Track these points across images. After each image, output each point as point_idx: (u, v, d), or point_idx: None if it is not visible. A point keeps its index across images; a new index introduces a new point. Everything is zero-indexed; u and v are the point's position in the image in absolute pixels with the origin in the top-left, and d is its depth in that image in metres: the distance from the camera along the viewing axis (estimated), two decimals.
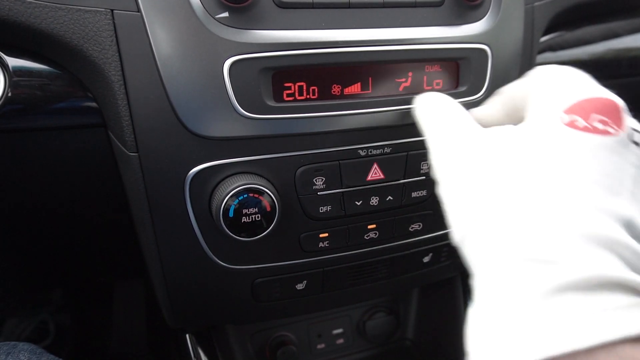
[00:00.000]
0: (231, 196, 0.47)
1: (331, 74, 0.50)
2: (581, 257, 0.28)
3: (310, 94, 0.49)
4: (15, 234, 0.75)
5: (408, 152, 0.56)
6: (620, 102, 0.34)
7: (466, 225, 0.34)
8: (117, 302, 1.25)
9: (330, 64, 0.49)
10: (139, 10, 0.45)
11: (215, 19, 0.45)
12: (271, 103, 0.48)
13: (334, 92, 0.50)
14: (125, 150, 0.49)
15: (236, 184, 0.48)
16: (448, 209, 0.36)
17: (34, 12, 0.45)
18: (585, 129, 0.32)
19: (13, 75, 0.48)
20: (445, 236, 0.65)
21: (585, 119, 0.32)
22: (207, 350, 0.70)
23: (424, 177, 0.58)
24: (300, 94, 0.49)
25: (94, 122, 0.52)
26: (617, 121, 0.33)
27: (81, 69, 0.49)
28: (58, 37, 0.46)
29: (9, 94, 0.48)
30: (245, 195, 0.48)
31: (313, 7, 0.48)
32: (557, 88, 0.36)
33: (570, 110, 0.33)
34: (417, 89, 0.53)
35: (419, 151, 0.56)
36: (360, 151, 0.54)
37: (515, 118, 0.41)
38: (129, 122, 0.47)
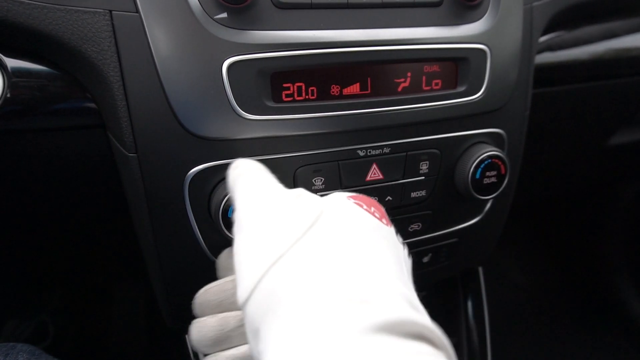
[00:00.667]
0: (230, 197, 0.47)
1: (330, 74, 0.50)
2: (391, 300, 0.29)
3: (309, 95, 0.49)
4: (15, 234, 0.75)
5: (407, 152, 0.56)
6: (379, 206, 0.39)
7: (262, 274, 0.30)
8: (117, 303, 1.25)
9: (329, 64, 0.49)
10: (137, 11, 0.45)
11: (213, 19, 0.45)
12: (270, 104, 0.48)
13: (332, 92, 0.50)
14: (124, 151, 0.49)
15: None
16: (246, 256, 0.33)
17: (32, 13, 0.45)
18: (367, 212, 0.36)
19: (12, 76, 0.48)
20: (445, 236, 0.65)
21: (368, 207, 0.36)
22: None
23: (423, 178, 0.58)
24: (299, 94, 0.49)
25: (93, 123, 0.52)
26: (387, 219, 0.38)
27: (80, 70, 0.49)
28: (56, 38, 0.46)
29: (8, 95, 0.48)
30: None
31: (311, 8, 0.48)
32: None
33: (353, 197, 0.37)
34: (416, 89, 0.53)
35: (418, 151, 0.56)
36: (359, 151, 0.54)
37: None
38: (128, 123, 0.47)
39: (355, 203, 0.36)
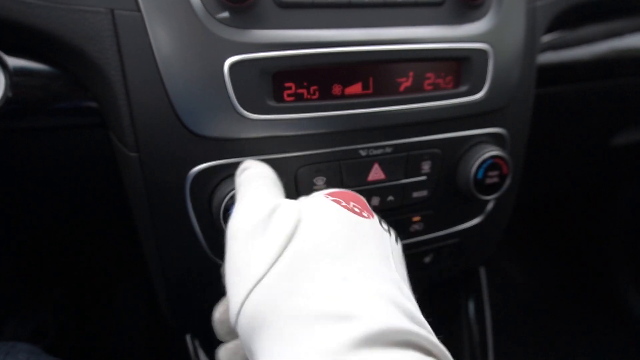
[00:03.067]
0: (231, 196, 0.47)
1: (332, 73, 0.50)
2: (377, 311, 0.29)
3: (311, 94, 0.49)
4: (16, 233, 0.75)
5: (409, 152, 0.56)
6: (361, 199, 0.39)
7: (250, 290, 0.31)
8: (118, 303, 1.25)
9: (331, 63, 0.49)
10: (139, 10, 0.45)
11: (215, 18, 0.45)
12: (272, 103, 0.48)
13: (334, 92, 0.50)
14: (126, 150, 0.49)
15: None
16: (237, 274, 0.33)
17: (34, 12, 0.45)
18: (346, 208, 0.35)
19: (14, 76, 0.48)
20: (447, 237, 0.65)
21: (347, 203, 0.36)
22: (207, 351, 0.70)
23: (425, 177, 0.58)
24: (301, 94, 0.49)
25: (95, 122, 0.52)
26: (369, 210, 0.37)
27: (82, 69, 0.48)
28: (58, 37, 0.46)
29: (10, 94, 0.48)
30: None
31: (313, 7, 0.48)
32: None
33: (332, 195, 0.37)
34: (418, 89, 0.53)
35: (420, 151, 0.56)
36: (361, 151, 0.54)
37: None
38: (130, 122, 0.47)
39: (334, 200, 0.36)
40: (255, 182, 0.40)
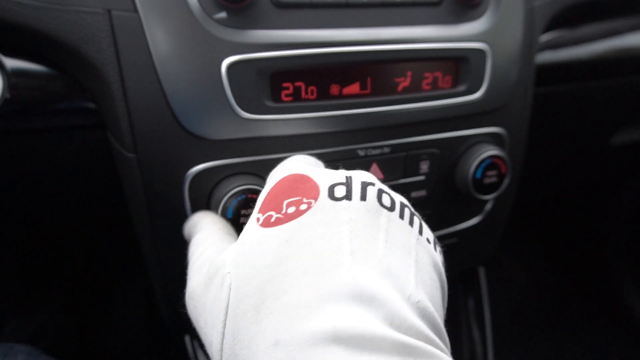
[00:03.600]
0: (230, 197, 0.47)
1: (330, 74, 0.50)
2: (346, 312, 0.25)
3: (309, 94, 0.49)
4: (14, 235, 0.75)
5: (407, 152, 0.56)
6: (303, 170, 0.33)
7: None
8: (117, 304, 1.25)
9: (328, 63, 0.49)
10: (136, 11, 0.45)
11: (213, 19, 0.45)
12: (269, 103, 0.48)
13: (332, 92, 0.50)
14: (124, 151, 0.49)
15: (235, 185, 0.48)
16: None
17: (31, 13, 0.45)
18: (278, 222, 0.30)
19: (11, 77, 0.48)
20: (446, 236, 0.65)
21: (279, 210, 0.31)
22: (206, 352, 0.69)
23: (423, 177, 0.58)
24: (299, 94, 0.49)
25: (92, 122, 0.52)
26: (311, 192, 0.31)
27: (79, 70, 0.48)
28: (55, 38, 0.46)
29: (7, 96, 0.48)
30: (244, 196, 0.48)
31: (311, 7, 0.48)
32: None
33: (263, 209, 0.32)
34: (416, 89, 0.53)
35: (419, 151, 0.56)
36: (359, 151, 0.54)
37: None
38: (127, 123, 0.47)
39: (263, 223, 0.31)
40: (198, 241, 0.40)
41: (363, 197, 0.30)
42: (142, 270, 0.63)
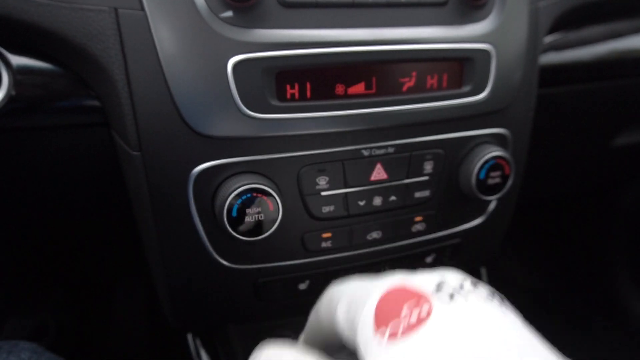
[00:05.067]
0: (234, 196, 0.47)
1: (335, 73, 0.50)
2: None
3: (314, 94, 0.49)
4: (17, 232, 0.75)
5: (411, 152, 0.56)
6: (404, 281, 0.32)
7: None
8: (118, 301, 1.25)
9: (334, 63, 0.49)
10: (143, 9, 0.45)
11: (219, 18, 0.45)
12: (275, 102, 0.48)
13: (337, 91, 0.50)
14: (128, 149, 0.49)
15: (239, 184, 0.48)
16: None
17: (37, 11, 0.45)
18: (408, 330, 0.29)
19: (17, 74, 0.48)
20: (449, 237, 0.65)
21: (399, 323, 0.30)
22: (208, 350, 0.70)
23: (427, 178, 0.58)
24: (304, 93, 0.49)
25: (97, 120, 0.52)
26: (421, 298, 0.30)
27: (85, 67, 0.48)
28: (61, 35, 0.46)
29: (13, 93, 0.48)
30: (249, 195, 0.48)
31: (317, 7, 0.48)
32: (351, 305, 0.33)
33: (380, 325, 0.30)
34: (421, 89, 0.53)
35: (423, 151, 0.56)
36: (363, 151, 0.54)
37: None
38: (132, 121, 0.47)
39: (389, 341, 0.29)
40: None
41: (466, 298, 0.31)
42: (144, 267, 0.63)
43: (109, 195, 0.62)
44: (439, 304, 0.30)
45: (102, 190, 0.62)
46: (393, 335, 0.29)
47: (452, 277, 0.32)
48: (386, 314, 0.30)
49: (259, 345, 0.35)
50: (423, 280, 0.32)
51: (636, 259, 1.30)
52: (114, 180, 0.56)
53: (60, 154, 0.56)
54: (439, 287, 0.31)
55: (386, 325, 0.30)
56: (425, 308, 0.29)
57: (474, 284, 0.31)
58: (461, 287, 0.31)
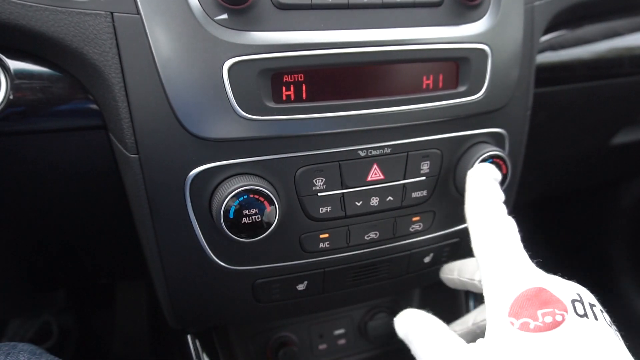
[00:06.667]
0: (232, 197, 0.47)
1: (330, 74, 0.50)
2: None
3: (310, 95, 0.50)
4: (18, 235, 0.75)
5: (408, 152, 0.56)
6: (548, 285, 0.37)
7: None
8: (120, 304, 1.25)
9: (329, 65, 0.49)
10: (138, 13, 0.45)
11: (214, 20, 0.46)
12: (270, 104, 0.48)
13: (333, 93, 0.50)
14: (126, 152, 0.49)
15: (236, 185, 0.48)
16: None
17: (34, 15, 0.45)
18: (538, 329, 0.34)
19: (15, 78, 0.48)
20: (446, 236, 0.65)
21: (536, 319, 0.35)
22: (208, 351, 0.70)
23: (424, 178, 0.58)
24: (300, 95, 0.49)
25: (95, 124, 0.52)
26: (559, 304, 0.35)
27: (82, 71, 0.49)
28: (58, 40, 0.46)
29: (11, 97, 0.48)
30: (246, 197, 0.48)
31: (312, 9, 0.48)
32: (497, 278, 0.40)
33: (515, 315, 0.36)
34: (417, 89, 0.53)
35: (419, 151, 0.56)
36: (360, 152, 0.54)
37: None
38: (129, 124, 0.47)
39: (521, 327, 0.35)
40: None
41: (596, 317, 0.36)
42: (144, 270, 0.63)
43: (108, 198, 0.62)
44: (573, 314, 0.34)
45: (101, 192, 0.62)
46: (525, 325, 0.34)
47: (587, 295, 0.37)
48: (522, 306, 0.36)
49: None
50: (562, 288, 0.37)
51: (637, 257, 1.30)
52: (113, 183, 0.56)
53: (58, 157, 0.56)
54: (575, 299, 0.36)
55: (520, 316, 0.35)
56: (561, 314, 0.34)
57: (602, 308, 0.36)
58: (593, 305, 0.36)
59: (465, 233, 0.66)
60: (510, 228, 0.45)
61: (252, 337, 0.78)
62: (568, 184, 1.15)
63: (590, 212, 1.37)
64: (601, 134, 0.92)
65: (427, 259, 0.66)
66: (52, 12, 0.45)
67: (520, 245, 0.45)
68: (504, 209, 0.47)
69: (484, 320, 0.41)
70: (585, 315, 0.35)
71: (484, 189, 0.49)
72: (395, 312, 0.85)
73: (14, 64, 0.48)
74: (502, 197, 0.49)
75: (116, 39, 0.46)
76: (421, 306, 0.88)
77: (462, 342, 0.41)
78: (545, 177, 1.01)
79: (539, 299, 0.36)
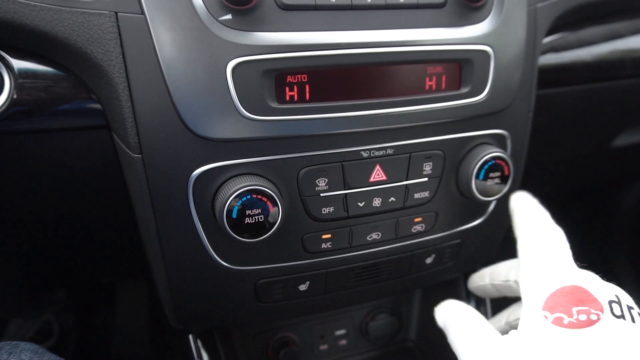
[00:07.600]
0: (234, 197, 0.48)
1: (333, 75, 0.50)
2: None
3: (313, 96, 0.50)
4: (19, 235, 0.75)
5: (410, 153, 0.56)
6: (587, 284, 0.37)
7: None
8: (121, 303, 1.25)
9: (332, 65, 0.49)
10: (143, 13, 0.45)
11: (218, 21, 0.46)
12: (274, 105, 0.48)
13: (336, 93, 0.50)
14: (129, 152, 0.49)
15: (239, 185, 0.48)
16: None
17: (38, 15, 0.45)
18: (572, 325, 0.35)
19: (18, 77, 0.48)
20: (448, 237, 0.65)
21: (570, 315, 0.35)
22: (210, 351, 0.70)
23: (426, 179, 0.58)
24: (303, 95, 0.49)
25: (98, 123, 0.52)
26: (595, 304, 0.36)
27: (85, 71, 0.49)
28: (62, 39, 0.46)
29: (15, 96, 0.48)
30: (249, 197, 0.48)
31: (315, 9, 0.48)
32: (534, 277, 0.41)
33: (550, 309, 0.36)
34: (420, 91, 0.53)
35: (422, 152, 0.56)
36: (362, 152, 0.54)
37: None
38: (133, 124, 0.47)
39: (553, 323, 0.35)
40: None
41: (633, 320, 0.36)
42: (145, 269, 0.63)
43: (111, 198, 0.62)
44: (609, 315, 0.35)
45: (104, 192, 0.62)
46: (558, 320, 0.35)
47: (626, 297, 0.37)
48: (557, 301, 0.36)
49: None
50: (601, 288, 0.37)
51: (638, 258, 1.30)
52: (116, 183, 0.56)
53: (61, 156, 0.56)
54: (613, 300, 0.36)
55: (555, 310, 0.36)
56: (596, 314, 0.34)
57: (637, 316, 0.36)
58: (631, 308, 0.36)
59: (467, 234, 0.66)
60: (558, 234, 0.47)
61: (253, 337, 0.78)
62: (569, 185, 1.15)
63: (591, 214, 1.37)
64: (603, 136, 0.92)
65: (429, 260, 0.66)
66: (56, 12, 0.45)
67: (567, 248, 0.46)
68: (552, 221, 0.50)
69: (517, 319, 0.41)
70: (622, 316, 0.35)
71: (533, 204, 0.54)
72: (396, 313, 0.86)
73: (17, 64, 0.48)
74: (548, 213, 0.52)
75: (120, 39, 0.46)
76: (422, 307, 0.89)
77: (496, 332, 0.42)
78: (546, 178, 1.01)
79: (575, 296, 0.37)
